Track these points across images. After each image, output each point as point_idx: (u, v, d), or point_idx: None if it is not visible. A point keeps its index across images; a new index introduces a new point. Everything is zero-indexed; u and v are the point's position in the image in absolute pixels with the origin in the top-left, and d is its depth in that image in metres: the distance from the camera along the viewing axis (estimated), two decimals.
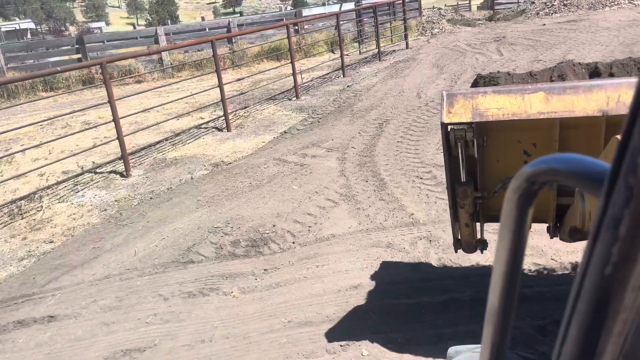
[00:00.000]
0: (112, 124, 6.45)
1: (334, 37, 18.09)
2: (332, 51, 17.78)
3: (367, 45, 16.24)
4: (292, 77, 9.97)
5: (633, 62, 7.32)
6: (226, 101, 8.17)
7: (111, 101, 6.25)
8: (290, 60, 10.17)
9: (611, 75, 6.96)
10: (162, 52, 15.29)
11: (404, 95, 8.95)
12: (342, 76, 11.88)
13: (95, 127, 7.78)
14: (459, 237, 2.54)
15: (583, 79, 6.84)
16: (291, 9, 28.30)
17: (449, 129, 2.11)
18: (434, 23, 19.41)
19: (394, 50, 15.45)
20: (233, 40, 16.75)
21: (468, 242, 2.52)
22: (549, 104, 1.91)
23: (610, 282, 0.35)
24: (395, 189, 5.05)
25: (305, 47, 17.08)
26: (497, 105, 1.96)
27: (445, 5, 49.22)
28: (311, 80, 11.81)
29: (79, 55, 15.20)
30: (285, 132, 7.67)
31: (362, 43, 15.96)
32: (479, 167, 2.23)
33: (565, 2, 18.60)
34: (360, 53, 14.78)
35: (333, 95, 9.84)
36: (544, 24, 15.85)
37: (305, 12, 18.56)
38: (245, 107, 9.60)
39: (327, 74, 12.57)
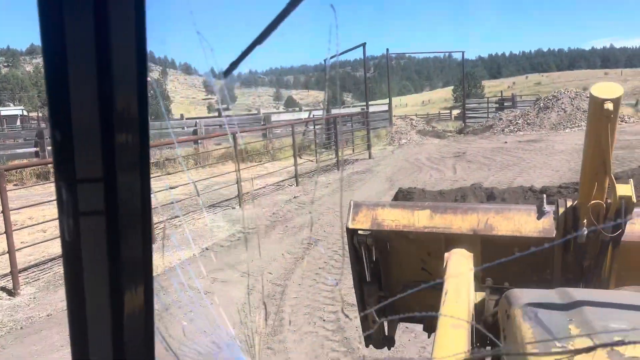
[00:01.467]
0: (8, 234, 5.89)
1: (302, 142, 18.30)
2: (300, 156, 17.86)
3: (331, 153, 16.30)
4: (247, 182, 9.73)
5: (522, 189, 8.42)
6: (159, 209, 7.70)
7: (5, 211, 5.74)
8: (250, 165, 9.93)
9: (503, 200, 7.96)
10: None
11: (345, 211, 8.57)
12: (295, 185, 11.63)
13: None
14: (368, 333, 2.72)
15: (481, 201, 7.89)
16: (265, 113, 28.88)
17: (353, 235, 2.35)
18: (402, 134, 19.79)
19: (356, 160, 15.47)
20: (199, 141, 16.77)
21: (376, 338, 2.67)
22: (433, 220, 2.21)
23: None
24: (291, 333, 4.43)
25: (272, 151, 17.13)
26: (392, 217, 2.26)
27: (428, 114, 51.47)
28: (264, 187, 11.52)
29: (37, 149, 14.97)
30: (207, 248, 7.14)
31: (326, 150, 16.01)
32: (382, 269, 2.43)
33: (528, 121, 19.18)
34: (317, 162, 14.70)
35: (277, 206, 9.46)
36: (506, 142, 16.13)
37: (274, 117, 18.88)
38: (175, 217, 9.14)
39: (282, 180, 12.33)
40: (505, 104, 26.21)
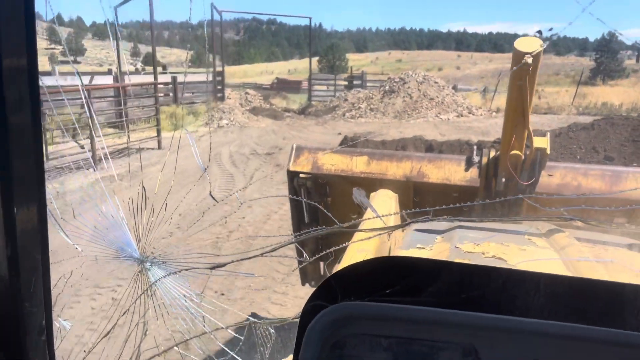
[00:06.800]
0: None
1: (79, 119, 13.50)
2: (74, 136, 13.05)
3: (119, 135, 11.82)
4: None
5: (458, 142, 8.37)
6: None
7: None
8: None
9: (440, 151, 7.92)
10: None
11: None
12: None
13: None
14: (305, 272, 2.92)
15: (419, 151, 7.53)
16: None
17: (293, 177, 2.55)
18: (224, 113, 15.89)
19: (143, 148, 11.27)
20: None
21: (312, 277, 2.86)
22: (369, 166, 2.48)
23: None
24: None
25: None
26: (332, 162, 2.50)
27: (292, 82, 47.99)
28: None
29: None
30: None
31: (118, 131, 11.51)
32: (320, 211, 2.41)
33: (372, 106, 16.46)
34: (47, 159, 10.20)
35: None
36: (339, 133, 13.12)
37: (60, 81, 13.63)
38: None
39: None
40: (355, 82, 23.60)
